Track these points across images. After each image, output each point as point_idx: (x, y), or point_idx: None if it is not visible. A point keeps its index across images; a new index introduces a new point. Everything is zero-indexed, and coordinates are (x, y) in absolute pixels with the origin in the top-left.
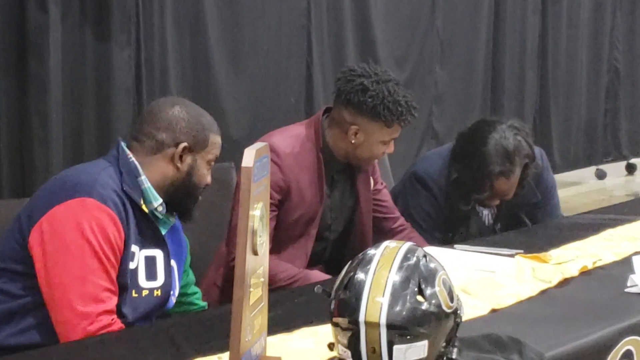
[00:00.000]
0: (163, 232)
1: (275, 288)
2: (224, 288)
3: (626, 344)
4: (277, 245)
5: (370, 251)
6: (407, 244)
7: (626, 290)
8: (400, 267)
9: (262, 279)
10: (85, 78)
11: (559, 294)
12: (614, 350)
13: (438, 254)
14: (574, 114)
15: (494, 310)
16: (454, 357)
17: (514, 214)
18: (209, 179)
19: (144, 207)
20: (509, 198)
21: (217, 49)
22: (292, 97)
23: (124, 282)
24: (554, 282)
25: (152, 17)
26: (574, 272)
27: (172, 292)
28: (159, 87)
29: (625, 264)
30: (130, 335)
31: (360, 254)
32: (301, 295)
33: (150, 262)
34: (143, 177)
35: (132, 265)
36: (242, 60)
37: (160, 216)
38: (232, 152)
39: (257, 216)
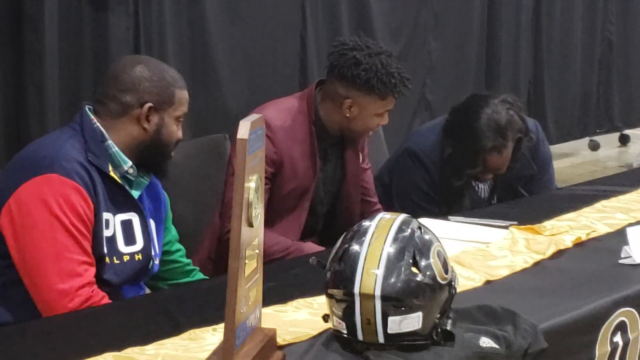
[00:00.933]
0: (137, 193)
1: (269, 260)
2: (217, 260)
3: (620, 315)
4: (271, 218)
5: (365, 223)
6: (402, 216)
7: (620, 261)
8: (395, 239)
9: (257, 251)
10: (82, 49)
11: (552, 266)
12: (608, 321)
13: (432, 225)
14: (569, 85)
15: (488, 282)
16: (448, 328)
17: (510, 187)
18: (179, 134)
19: (112, 173)
20: (503, 172)
21: (214, 21)
22: (288, 68)
23: (102, 251)
24: (548, 254)
25: None
26: (568, 244)
27: (154, 254)
28: (157, 58)
29: (619, 236)
30: (125, 307)
31: (355, 226)
32: (296, 266)
33: (127, 226)
34: (109, 142)
35: (108, 233)
36: (238, 32)
37: (132, 178)
38: (227, 123)
39: (252, 188)
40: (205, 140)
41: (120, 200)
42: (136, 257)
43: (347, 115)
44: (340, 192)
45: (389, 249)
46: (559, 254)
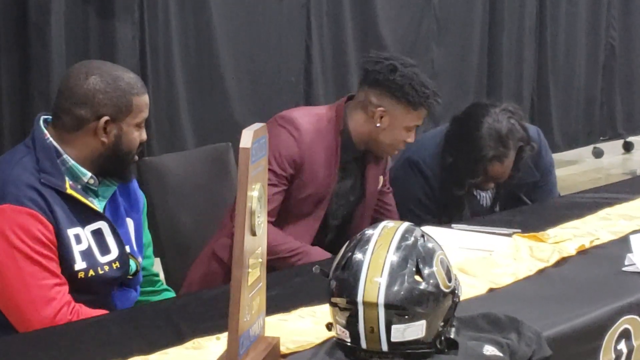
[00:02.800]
0: (103, 202)
1: (274, 266)
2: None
3: (624, 323)
4: (284, 221)
5: (368, 231)
6: (405, 224)
7: (623, 269)
8: (398, 247)
9: (260, 260)
10: (89, 58)
11: (556, 273)
12: (612, 329)
13: (436, 233)
14: (573, 92)
15: (491, 290)
16: (451, 336)
17: (512, 195)
18: (143, 137)
19: (69, 190)
20: (504, 181)
21: (220, 30)
22: (292, 76)
23: (79, 267)
24: (552, 262)
25: None
26: (572, 251)
27: (134, 253)
28: (163, 68)
29: (622, 243)
30: (128, 316)
31: (358, 234)
32: (299, 275)
33: (98, 235)
34: (65, 157)
35: (81, 247)
36: (244, 41)
37: (95, 188)
38: (233, 131)
39: (255, 197)
40: (208, 150)
41: (84, 212)
42: (114, 265)
43: (378, 125)
44: (356, 210)
45: (392, 257)
46: (562, 261)
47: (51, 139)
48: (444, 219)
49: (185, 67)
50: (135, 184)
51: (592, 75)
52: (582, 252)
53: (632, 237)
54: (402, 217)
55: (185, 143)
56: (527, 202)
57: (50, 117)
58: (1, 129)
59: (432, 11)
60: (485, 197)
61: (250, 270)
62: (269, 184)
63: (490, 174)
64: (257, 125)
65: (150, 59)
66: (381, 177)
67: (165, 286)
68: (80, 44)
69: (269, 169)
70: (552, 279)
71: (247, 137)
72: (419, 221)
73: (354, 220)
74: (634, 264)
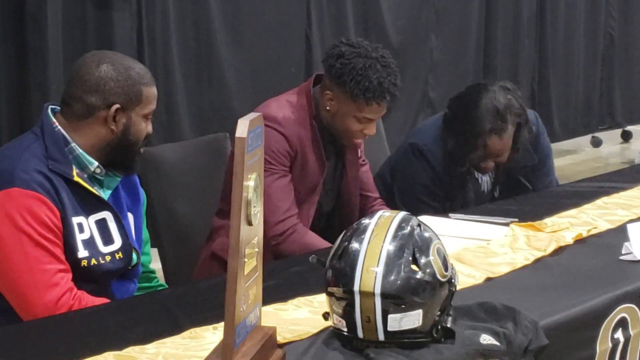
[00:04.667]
0: (108, 192)
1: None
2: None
3: (621, 312)
4: None
5: (365, 221)
6: (402, 214)
7: (621, 257)
8: (395, 237)
9: (256, 249)
10: (86, 49)
11: (553, 262)
12: (609, 317)
13: (432, 222)
14: (572, 82)
15: (488, 279)
16: (448, 325)
17: (512, 178)
18: (149, 129)
19: (76, 177)
20: (504, 160)
21: (218, 20)
22: (292, 66)
23: (81, 255)
24: (549, 251)
25: None
26: (569, 240)
27: (136, 248)
28: (161, 58)
29: (619, 232)
30: (125, 306)
31: (355, 224)
32: (296, 265)
33: (102, 225)
34: (73, 145)
35: (84, 236)
36: (243, 31)
37: (100, 178)
38: (231, 122)
39: (251, 186)
40: (206, 140)
41: (90, 202)
42: (117, 255)
43: (328, 108)
44: (341, 191)
45: (389, 246)
46: (559, 250)
47: (59, 126)
48: (449, 204)
49: (183, 58)
50: (137, 179)
51: (591, 65)
52: (580, 241)
53: (630, 226)
54: (406, 205)
55: (183, 133)
56: (527, 185)
57: (57, 107)
58: None
59: (431, 1)
60: (485, 181)
61: (246, 260)
62: (278, 177)
63: (490, 149)
64: (253, 115)
65: (147, 49)
66: (358, 150)
67: (161, 282)
68: (77, 35)
69: (271, 169)
70: (549, 268)
71: (243, 127)
72: (424, 207)
73: (342, 200)
74: (631, 253)
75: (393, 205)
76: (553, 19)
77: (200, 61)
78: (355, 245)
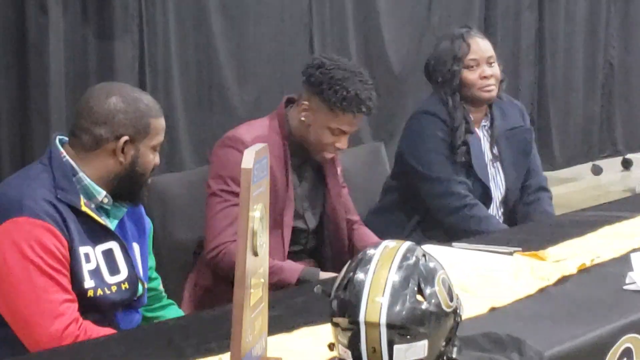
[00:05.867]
0: (115, 222)
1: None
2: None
3: (625, 342)
4: None
5: (370, 251)
6: (407, 244)
7: (625, 287)
8: (400, 267)
9: (262, 280)
10: (88, 79)
11: (557, 292)
12: (613, 348)
13: (436, 252)
14: (572, 110)
15: (493, 309)
16: (454, 356)
17: (508, 141)
18: (156, 160)
19: (84, 207)
20: (493, 63)
21: (221, 49)
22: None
23: (87, 285)
24: (553, 280)
25: (155, 17)
26: (572, 270)
27: (142, 277)
28: (163, 87)
29: (623, 261)
30: (130, 337)
31: (360, 254)
32: (301, 295)
33: (108, 255)
34: (81, 174)
35: (90, 267)
36: (246, 60)
37: (107, 207)
38: None
39: (257, 217)
40: (206, 169)
41: (97, 232)
42: (123, 286)
43: (303, 119)
44: (325, 208)
45: (394, 276)
46: (563, 280)
47: (67, 157)
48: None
49: (185, 87)
50: (142, 209)
51: (591, 93)
52: (583, 271)
53: (633, 256)
54: (423, 165)
55: (184, 162)
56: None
57: (65, 137)
58: (0, 148)
59: (431, 30)
60: (483, 138)
61: (252, 290)
62: (230, 205)
63: (474, 50)
64: (259, 146)
65: (149, 78)
66: (337, 169)
67: (170, 301)
68: (79, 64)
69: (227, 191)
70: (554, 297)
71: (249, 158)
72: (434, 160)
73: (328, 219)
74: (635, 283)
75: (406, 212)
76: (552, 47)
77: (202, 90)
78: (360, 275)
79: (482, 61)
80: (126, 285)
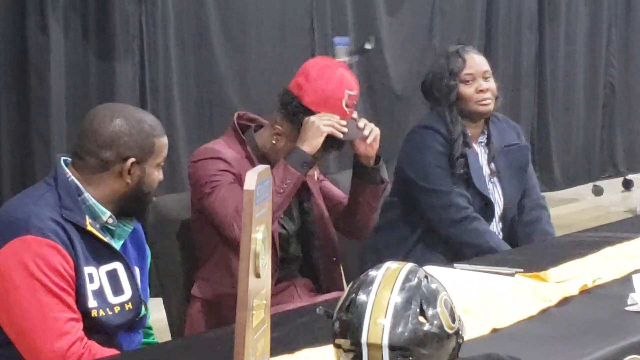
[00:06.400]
0: (120, 242)
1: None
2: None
3: None
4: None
5: (372, 272)
6: (409, 265)
7: (626, 308)
8: (402, 288)
9: (264, 301)
10: (89, 99)
11: (559, 313)
12: None
13: (438, 273)
14: (573, 130)
15: (494, 330)
16: None
17: (505, 154)
18: (160, 177)
19: (89, 227)
20: (489, 78)
21: (222, 68)
22: None
23: (91, 306)
24: (554, 301)
25: (156, 37)
26: (574, 291)
27: (144, 300)
28: (164, 108)
29: (625, 282)
30: (134, 358)
31: (362, 275)
32: (302, 316)
33: (112, 276)
34: (86, 195)
35: (94, 287)
36: (247, 81)
37: (112, 227)
38: None
39: (259, 239)
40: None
41: (102, 252)
42: (126, 306)
43: (274, 142)
44: (308, 207)
45: (396, 298)
46: (565, 301)
47: (73, 177)
48: (456, 170)
49: (185, 108)
50: (143, 235)
51: (591, 113)
52: (585, 292)
53: (635, 277)
54: (422, 179)
55: (185, 183)
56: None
57: (68, 158)
58: (0, 169)
59: (432, 50)
60: (481, 153)
61: (254, 312)
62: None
63: (470, 65)
64: (261, 167)
65: (150, 99)
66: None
67: (156, 341)
68: (79, 85)
69: (211, 181)
70: (555, 318)
71: (251, 179)
72: (433, 172)
73: (313, 220)
74: (637, 304)
75: (408, 224)
76: (552, 67)
77: (203, 110)
78: (362, 297)
79: (478, 75)
80: (130, 305)
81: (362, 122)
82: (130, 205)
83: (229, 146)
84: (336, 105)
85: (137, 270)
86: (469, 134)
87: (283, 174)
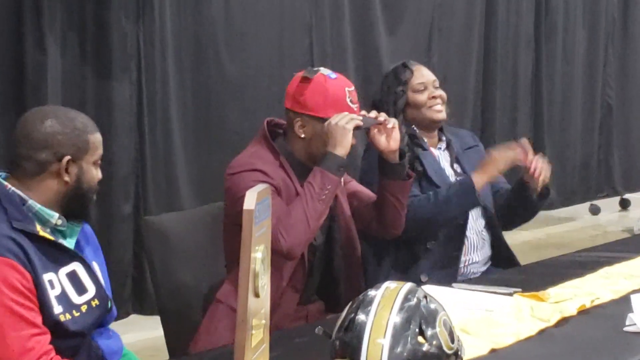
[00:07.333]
0: (72, 242)
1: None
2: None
3: None
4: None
5: (371, 292)
6: (408, 285)
7: (625, 329)
8: (401, 308)
9: (263, 321)
10: None
11: (557, 333)
12: None
13: (437, 293)
14: (569, 150)
15: (493, 350)
16: None
17: (467, 156)
18: (99, 175)
19: (41, 232)
20: (438, 88)
21: (220, 87)
22: None
23: (57, 312)
24: (553, 321)
25: (154, 56)
26: (573, 311)
27: (108, 294)
28: (161, 126)
29: (623, 303)
30: None
31: (361, 295)
32: (301, 336)
33: (72, 277)
34: (30, 202)
35: (56, 292)
36: (243, 97)
37: (63, 229)
38: None
39: (259, 258)
40: (208, 209)
41: (57, 255)
42: (93, 303)
43: (303, 136)
44: (335, 216)
45: (395, 318)
46: (563, 321)
47: (13, 188)
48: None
49: (183, 126)
50: (89, 228)
51: (588, 133)
52: (583, 312)
53: (633, 297)
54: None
55: (182, 201)
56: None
57: (2, 173)
58: None
59: (432, 68)
60: (441, 155)
61: (253, 332)
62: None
63: (418, 81)
64: (261, 187)
65: (147, 117)
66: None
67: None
68: (76, 103)
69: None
70: (554, 339)
71: (251, 199)
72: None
73: (338, 231)
74: (635, 324)
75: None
76: (549, 87)
77: (200, 129)
78: (361, 317)
79: (429, 85)
80: (96, 301)
81: (372, 113)
82: (73, 206)
83: (261, 156)
84: (343, 105)
85: (95, 266)
86: (425, 140)
87: (321, 180)
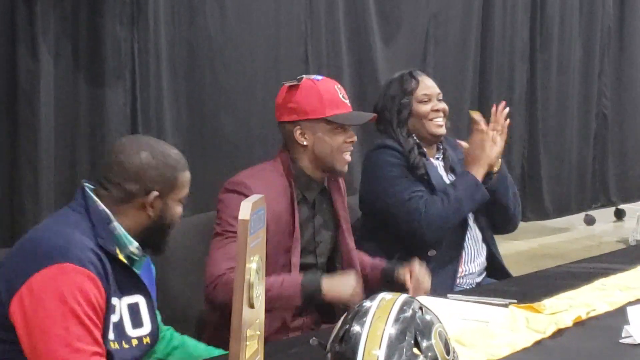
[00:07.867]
0: (139, 272)
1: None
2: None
3: None
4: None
5: (366, 303)
6: (403, 296)
7: (621, 341)
8: (397, 320)
9: (258, 332)
10: (79, 125)
11: (553, 345)
12: None
13: (432, 304)
14: (564, 160)
15: None
16: None
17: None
18: (181, 211)
19: (120, 256)
20: (441, 100)
21: (215, 95)
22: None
23: (109, 339)
24: (548, 333)
25: (148, 63)
26: (568, 323)
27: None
28: (155, 134)
29: (619, 314)
30: None
31: (356, 306)
32: (296, 346)
33: (133, 309)
34: (115, 224)
35: (115, 319)
36: (238, 106)
37: (136, 258)
38: None
39: (254, 269)
40: (203, 217)
41: (126, 283)
42: (144, 340)
43: (305, 143)
44: (337, 241)
45: (391, 329)
46: (559, 333)
47: (103, 205)
48: (418, 171)
49: (177, 135)
50: (149, 260)
51: (584, 143)
52: (579, 324)
53: (629, 309)
54: (378, 195)
55: None
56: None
57: (90, 185)
58: None
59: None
60: (439, 165)
61: (248, 343)
62: (229, 242)
63: (424, 86)
64: (256, 197)
65: (141, 126)
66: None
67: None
68: (69, 111)
69: (227, 230)
70: (549, 350)
71: (245, 209)
72: (403, 194)
73: (340, 250)
74: (631, 336)
75: (375, 241)
76: (544, 96)
77: (195, 138)
78: (356, 328)
79: (433, 97)
80: (148, 340)
81: None
82: (151, 238)
83: (264, 177)
84: (338, 101)
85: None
86: (425, 151)
87: (294, 291)
